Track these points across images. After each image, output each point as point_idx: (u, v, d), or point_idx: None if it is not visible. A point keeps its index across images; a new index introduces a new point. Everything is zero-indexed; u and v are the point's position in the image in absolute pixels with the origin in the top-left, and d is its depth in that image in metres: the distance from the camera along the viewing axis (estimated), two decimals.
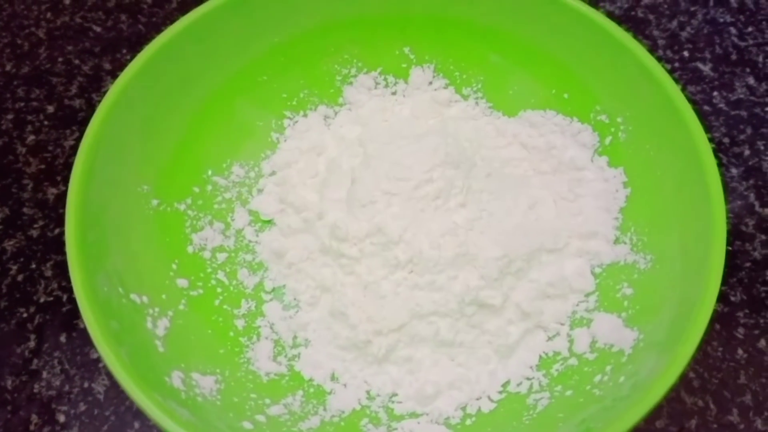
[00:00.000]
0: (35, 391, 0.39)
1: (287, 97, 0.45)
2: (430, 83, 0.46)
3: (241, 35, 0.42)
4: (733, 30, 0.52)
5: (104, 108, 0.37)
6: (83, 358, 0.40)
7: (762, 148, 0.47)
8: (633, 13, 0.53)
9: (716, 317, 0.40)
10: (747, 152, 0.47)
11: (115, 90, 0.37)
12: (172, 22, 0.40)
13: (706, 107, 0.49)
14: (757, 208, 0.44)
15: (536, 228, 0.39)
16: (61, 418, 0.38)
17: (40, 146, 0.48)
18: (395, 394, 0.36)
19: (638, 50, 0.38)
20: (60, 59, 0.52)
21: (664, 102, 0.37)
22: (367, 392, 0.36)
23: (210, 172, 0.42)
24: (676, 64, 0.51)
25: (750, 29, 0.52)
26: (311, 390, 0.36)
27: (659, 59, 0.49)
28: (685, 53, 0.51)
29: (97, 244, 0.34)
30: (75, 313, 0.41)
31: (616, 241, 0.39)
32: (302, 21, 0.43)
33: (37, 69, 0.51)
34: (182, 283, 0.37)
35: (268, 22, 0.43)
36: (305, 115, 0.45)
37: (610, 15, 0.42)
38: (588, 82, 0.42)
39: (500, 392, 0.36)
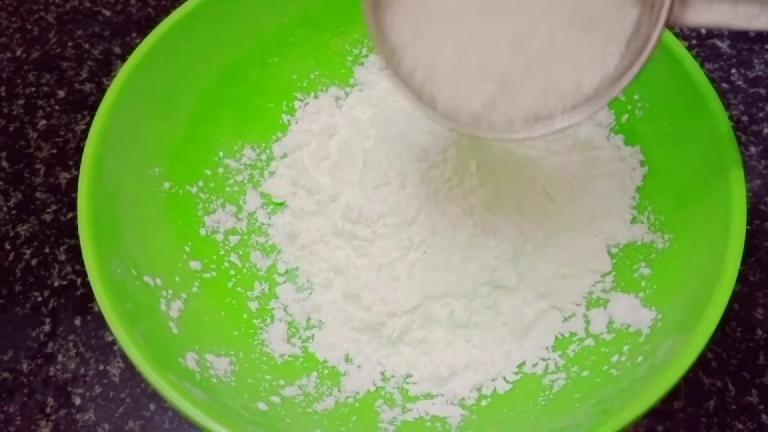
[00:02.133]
0: (51, 374, 0.39)
1: (298, 78, 0.44)
2: None
3: (250, 16, 0.42)
4: None
5: (113, 92, 0.36)
6: (98, 341, 0.40)
7: None
8: None
9: (735, 297, 0.39)
10: (766, 130, 0.46)
11: (123, 73, 0.37)
12: (181, 4, 0.40)
13: (724, 85, 0.48)
14: None
15: (552, 208, 0.39)
16: (77, 401, 0.38)
17: (52, 131, 0.48)
18: (410, 375, 0.36)
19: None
20: (70, 44, 0.52)
21: (681, 78, 0.36)
22: (382, 373, 0.36)
23: (221, 155, 0.42)
24: (694, 41, 0.50)
25: None
26: (325, 371, 0.36)
27: (676, 36, 0.48)
28: (703, 30, 0.50)
29: (110, 227, 0.34)
30: (89, 296, 0.41)
31: (633, 220, 0.38)
32: (313, 1, 0.43)
33: (47, 54, 0.51)
34: (195, 265, 0.37)
35: (278, 3, 0.42)
36: (316, 97, 0.45)
37: None
38: None
39: (516, 373, 0.35)
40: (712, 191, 0.34)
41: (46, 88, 0.50)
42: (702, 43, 0.50)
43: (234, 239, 0.40)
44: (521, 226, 0.37)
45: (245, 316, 0.37)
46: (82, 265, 0.32)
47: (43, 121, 0.48)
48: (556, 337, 0.36)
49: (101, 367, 0.39)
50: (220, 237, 0.40)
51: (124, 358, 0.39)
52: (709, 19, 0.29)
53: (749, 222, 0.42)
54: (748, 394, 0.37)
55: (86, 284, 0.41)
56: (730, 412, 0.37)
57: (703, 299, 0.30)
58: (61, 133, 0.48)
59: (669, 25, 0.28)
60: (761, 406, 0.37)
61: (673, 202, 0.36)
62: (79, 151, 0.46)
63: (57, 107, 0.49)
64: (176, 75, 0.39)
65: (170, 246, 0.37)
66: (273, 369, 0.35)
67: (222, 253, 0.39)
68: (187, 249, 0.38)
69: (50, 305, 0.41)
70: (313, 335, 0.38)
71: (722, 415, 0.37)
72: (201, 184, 0.40)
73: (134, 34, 0.52)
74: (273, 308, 0.38)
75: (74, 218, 0.44)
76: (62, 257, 0.43)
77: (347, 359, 0.37)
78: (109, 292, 0.31)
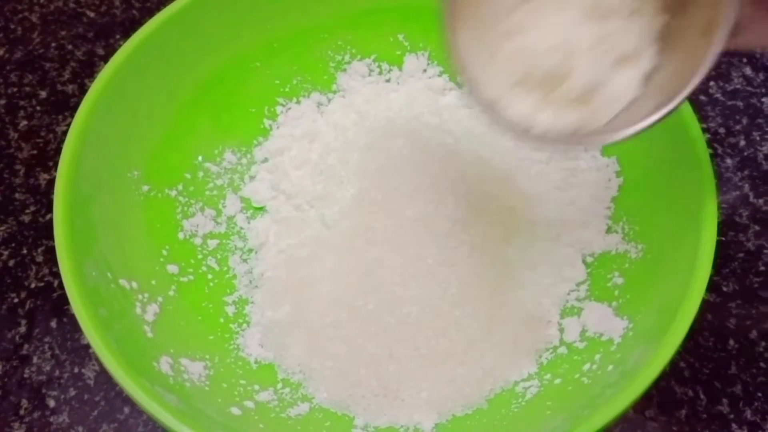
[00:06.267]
0: (25, 376, 0.39)
1: (280, 83, 0.44)
2: (425, 71, 0.45)
3: (233, 21, 0.42)
4: None
5: (94, 93, 0.36)
6: (74, 343, 0.40)
7: (757, 138, 0.47)
8: None
9: (708, 307, 0.40)
10: (742, 143, 0.47)
11: (104, 75, 0.37)
12: (165, 6, 0.40)
13: (702, 97, 0.48)
14: (752, 198, 0.44)
15: (528, 217, 0.39)
16: (51, 403, 0.38)
17: (33, 132, 0.48)
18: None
19: None
20: (53, 44, 0.52)
21: None
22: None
23: (201, 158, 0.42)
24: None
25: None
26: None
27: None
28: None
29: (86, 230, 0.34)
30: (66, 298, 0.40)
31: (608, 230, 0.38)
32: (296, 6, 0.43)
33: (30, 54, 0.51)
34: (172, 269, 0.37)
35: (261, 8, 0.42)
36: (298, 102, 0.45)
37: None
38: None
39: None
40: (685, 203, 0.34)
41: (28, 89, 0.49)
42: None
43: (212, 243, 0.40)
44: (497, 234, 0.37)
45: (221, 320, 0.37)
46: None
47: (24, 122, 0.48)
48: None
49: (76, 370, 0.39)
50: (198, 241, 0.40)
51: (99, 361, 0.39)
52: None
53: (724, 233, 0.43)
54: (719, 404, 0.38)
55: (63, 286, 0.41)
56: (701, 420, 0.37)
57: (673, 309, 0.31)
58: (42, 134, 0.47)
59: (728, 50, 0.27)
60: (732, 416, 0.37)
61: (647, 212, 0.37)
62: (59, 152, 0.46)
63: (39, 108, 0.49)
64: (158, 78, 0.39)
65: (147, 249, 0.37)
66: (248, 374, 0.35)
67: (200, 257, 0.39)
68: (164, 252, 0.38)
69: (26, 307, 0.41)
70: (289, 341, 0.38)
71: (693, 423, 0.37)
72: (180, 187, 0.40)
73: (118, 36, 0.52)
74: (249, 313, 0.38)
75: (52, 220, 0.44)
76: (40, 258, 0.43)
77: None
78: (83, 296, 0.31)
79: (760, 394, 0.38)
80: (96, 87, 0.37)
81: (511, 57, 0.29)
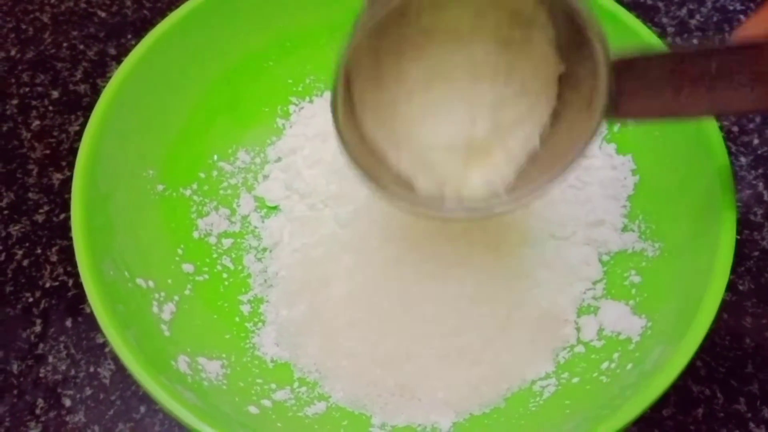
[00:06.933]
0: (41, 375, 0.39)
1: (293, 82, 0.44)
2: None
3: (246, 20, 0.42)
4: (743, 18, 0.52)
5: (108, 93, 0.36)
6: (89, 342, 0.40)
7: None
8: None
9: (724, 306, 0.40)
10: (756, 141, 0.46)
11: (119, 75, 0.37)
12: (177, 6, 0.40)
13: None
14: (766, 197, 0.44)
15: (544, 216, 0.39)
16: (67, 403, 0.38)
17: (45, 132, 0.48)
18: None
19: (648, 36, 0.38)
20: (65, 44, 0.52)
21: None
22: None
23: (216, 158, 0.42)
24: None
25: None
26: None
27: (669, 47, 0.49)
28: (695, 41, 0.51)
29: (103, 228, 0.34)
30: (80, 297, 0.41)
31: (624, 228, 0.38)
32: (308, 5, 0.43)
33: (42, 54, 0.51)
34: (188, 268, 0.37)
35: (273, 7, 0.42)
36: (311, 101, 0.45)
37: (620, 1, 0.42)
38: None
39: None
40: (702, 201, 0.34)
41: (40, 89, 0.50)
42: None
43: (227, 242, 0.40)
44: (512, 232, 0.37)
45: (237, 319, 0.37)
46: (74, 266, 0.32)
47: (37, 122, 0.48)
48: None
49: (92, 369, 0.39)
50: (213, 240, 0.40)
51: (115, 360, 0.39)
52: (649, 111, 0.29)
53: (739, 231, 0.42)
54: (736, 402, 0.38)
55: (78, 285, 0.41)
56: (718, 419, 0.37)
57: (692, 308, 0.31)
58: (55, 133, 0.48)
59: (606, 120, 0.28)
60: (749, 414, 0.37)
61: (663, 211, 0.37)
62: (72, 152, 0.46)
63: (51, 108, 0.49)
64: (172, 78, 0.39)
65: (163, 248, 0.37)
66: (264, 372, 0.35)
67: (215, 256, 0.39)
68: (180, 251, 0.38)
69: (41, 306, 0.41)
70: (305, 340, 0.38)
71: (710, 422, 0.37)
72: (195, 186, 0.40)
73: (129, 36, 0.52)
74: (265, 312, 0.38)
75: (66, 219, 0.44)
76: (54, 258, 0.43)
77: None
78: (101, 294, 0.31)
79: None
80: (111, 86, 0.36)
81: (412, 142, 0.30)
